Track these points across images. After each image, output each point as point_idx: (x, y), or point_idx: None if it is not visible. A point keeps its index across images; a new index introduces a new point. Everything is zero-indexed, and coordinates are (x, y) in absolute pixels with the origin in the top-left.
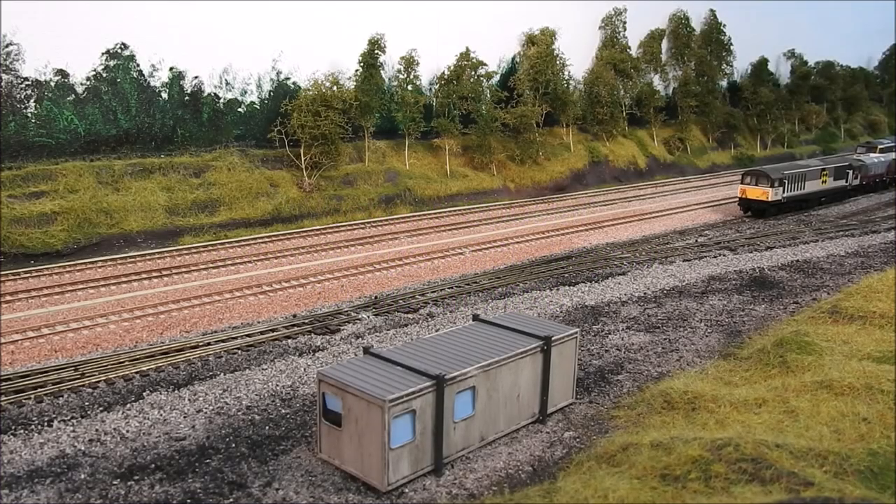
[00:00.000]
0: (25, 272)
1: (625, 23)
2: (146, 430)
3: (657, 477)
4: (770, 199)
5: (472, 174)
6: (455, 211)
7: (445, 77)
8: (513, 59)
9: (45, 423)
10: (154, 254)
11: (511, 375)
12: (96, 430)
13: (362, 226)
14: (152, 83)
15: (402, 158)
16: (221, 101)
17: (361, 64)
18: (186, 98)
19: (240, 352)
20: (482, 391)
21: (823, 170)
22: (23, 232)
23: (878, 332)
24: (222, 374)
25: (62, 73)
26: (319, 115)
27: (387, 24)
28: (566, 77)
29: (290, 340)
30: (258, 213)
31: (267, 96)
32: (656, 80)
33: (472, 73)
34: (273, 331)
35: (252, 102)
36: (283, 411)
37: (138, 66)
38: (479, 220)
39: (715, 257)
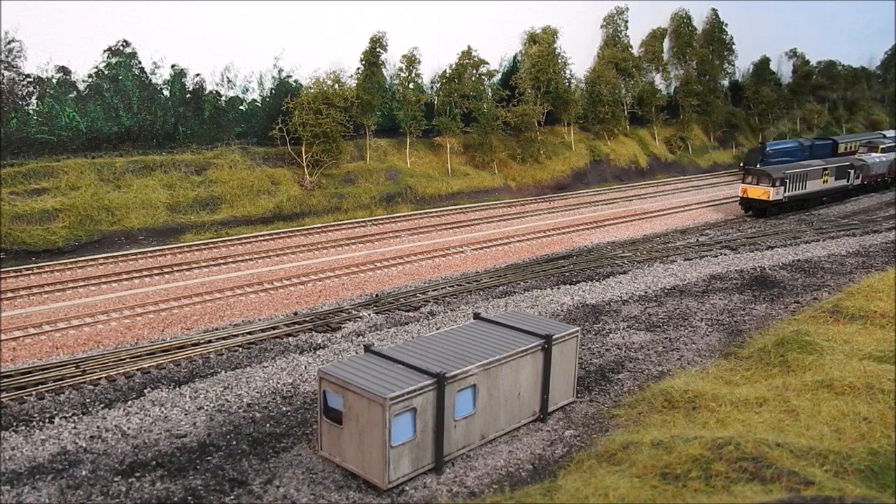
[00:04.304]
0: (27, 269)
1: (626, 22)
2: (147, 427)
3: (658, 476)
4: (771, 199)
5: (474, 173)
6: (456, 209)
7: (447, 75)
8: (514, 57)
9: (47, 420)
10: (155, 251)
11: (512, 374)
12: (97, 426)
13: (363, 224)
14: (154, 81)
15: (404, 157)
16: (223, 98)
17: (363, 62)
18: (188, 95)
19: (241, 349)
20: (483, 389)
21: (825, 169)
22: (24, 229)
23: (879, 332)
24: (223, 371)
25: (64, 71)
26: (321, 113)
27: (388, 23)
28: (568, 76)
29: (291, 338)
30: (259, 211)
31: (268, 94)
32: (658, 80)
33: (474, 71)
34: (274, 328)
35: (253, 100)
36: (284, 409)
37: (140, 63)
38: (480, 218)
39: (716, 256)
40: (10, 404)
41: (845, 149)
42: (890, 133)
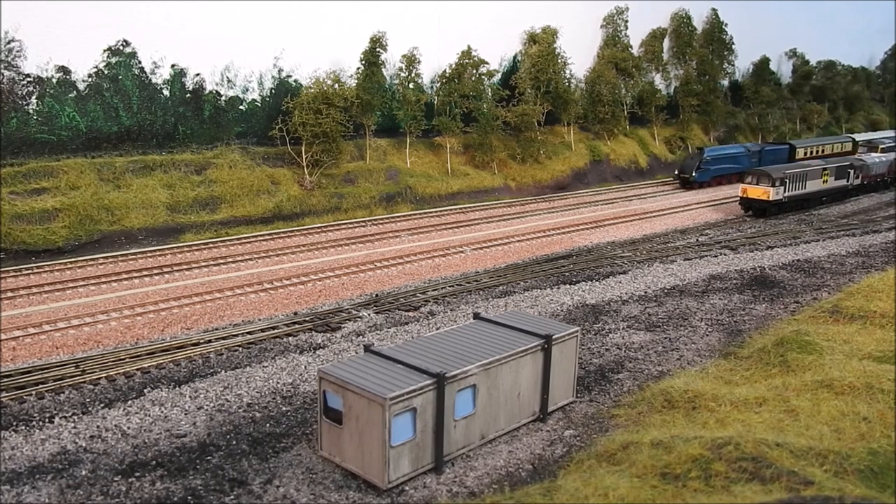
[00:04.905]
0: (27, 269)
1: (626, 22)
2: (147, 426)
3: (657, 475)
4: (771, 199)
5: (474, 172)
6: (456, 209)
7: (447, 75)
8: (514, 57)
9: (47, 420)
10: (155, 251)
11: (512, 374)
12: (97, 426)
13: (363, 224)
14: (154, 80)
15: (404, 157)
16: (223, 98)
17: (363, 62)
18: (188, 95)
19: (241, 349)
20: (483, 389)
21: (825, 169)
22: (24, 228)
23: (878, 332)
24: (223, 371)
25: (64, 70)
26: (321, 112)
27: (388, 23)
28: (567, 76)
29: (290, 338)
30: (259, 211)
31: (268, 94)
32: (658, 79)
33: (474, 71)
34: (274, 328)
35: (253, 100)
36: (284, 409)
37: (140, 63)
38: (480, 218)
39: (716, 256)
40: (10, 404)
41: (805, 154)
42: (859, 136)
